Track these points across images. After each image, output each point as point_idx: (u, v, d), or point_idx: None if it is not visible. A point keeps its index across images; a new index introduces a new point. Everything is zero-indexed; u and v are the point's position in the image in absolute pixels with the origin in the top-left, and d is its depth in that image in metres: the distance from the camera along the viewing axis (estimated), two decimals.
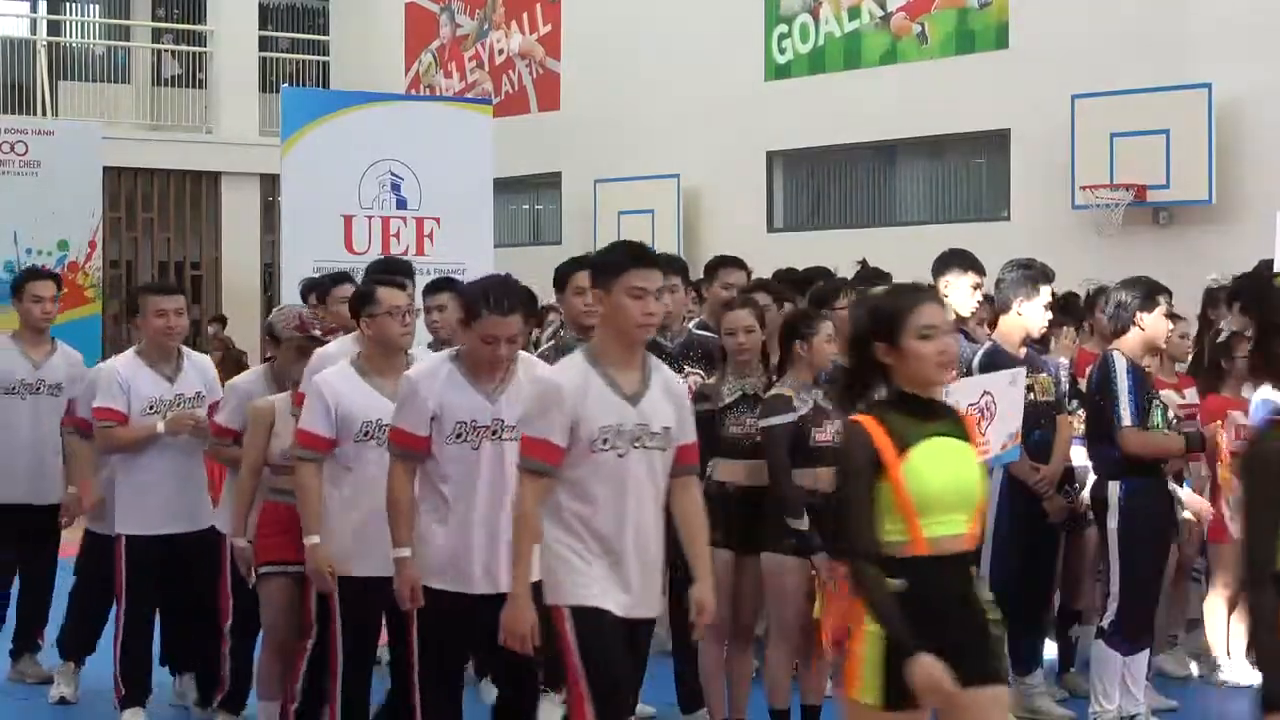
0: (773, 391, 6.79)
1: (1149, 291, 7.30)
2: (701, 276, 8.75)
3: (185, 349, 7.89)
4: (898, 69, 18.08)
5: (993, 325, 7.89)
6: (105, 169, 21.83)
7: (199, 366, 7.89)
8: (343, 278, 8.58)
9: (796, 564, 6.64)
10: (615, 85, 20.68)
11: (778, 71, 19.30)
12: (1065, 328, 8.22)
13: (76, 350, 8.93)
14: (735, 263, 8.38)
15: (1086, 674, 7.51)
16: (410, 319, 6.46)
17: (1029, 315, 7.52)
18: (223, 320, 23.15)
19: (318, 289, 8.59)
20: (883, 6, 18.22)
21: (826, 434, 6.66)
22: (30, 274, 8.86)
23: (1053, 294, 7.85)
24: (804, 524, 6.55)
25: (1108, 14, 16.05)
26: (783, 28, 19.22)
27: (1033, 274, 7.67)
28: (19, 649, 8.77)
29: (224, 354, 21.99)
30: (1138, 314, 7.23)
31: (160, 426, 7.45)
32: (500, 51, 22.61)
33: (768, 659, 7.03)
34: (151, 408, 7.57)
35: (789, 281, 8.89)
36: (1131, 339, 7.25)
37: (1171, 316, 8.09)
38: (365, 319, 6.40)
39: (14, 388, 8.47)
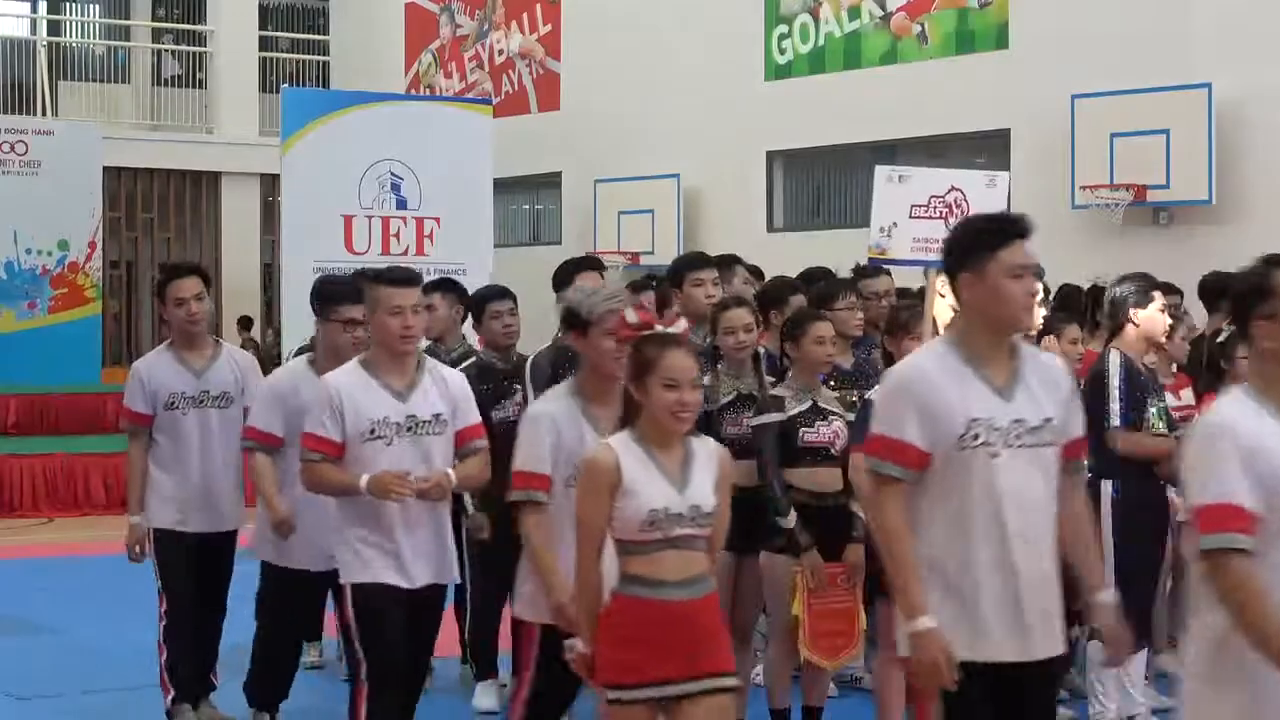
0: (770, 391, 6.80)
1: (1144, 286, 7.27)
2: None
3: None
4: (898, 69, 18.08)
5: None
6: (105, 169, 21.85)
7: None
8: (500, 292, 8.50)
9: (789, 563, 6.64)
10: (615, 85, 20.67)
11: (778, 71, 19.29)
12: (1069, 327, 8.18)
13: (245, 354, 7.88)
14: (703, 261, 8.11)
15: (1086, 674, 7.51)
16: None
17: None
18: (248, 322, 23.16)
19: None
20: (883, 6, 18.22)
21: (819, 434, 6.65)
22: (170, 272, 7.77)
23: (1045, 288, 7.82)
24: (790, 522, 6.56)
25: (1108, 14, 16.04)
26: (783, 28, 19.21)
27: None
28: (192, 692, 7.65)
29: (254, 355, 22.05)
30: (1133, 310, 7.20)
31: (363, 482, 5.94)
32: (500, 51, 22.61)
33: (768, 659, 7.03)
34: (174, 404, 7.32)
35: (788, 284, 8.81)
36: (1129, 335, 7.22)
37: (1175, 317, 8.09)
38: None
39: (174, 403, 7.33)
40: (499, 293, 7.94)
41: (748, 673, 7.10)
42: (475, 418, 6.11)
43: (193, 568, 7.36)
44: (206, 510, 7.35)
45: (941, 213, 7.13)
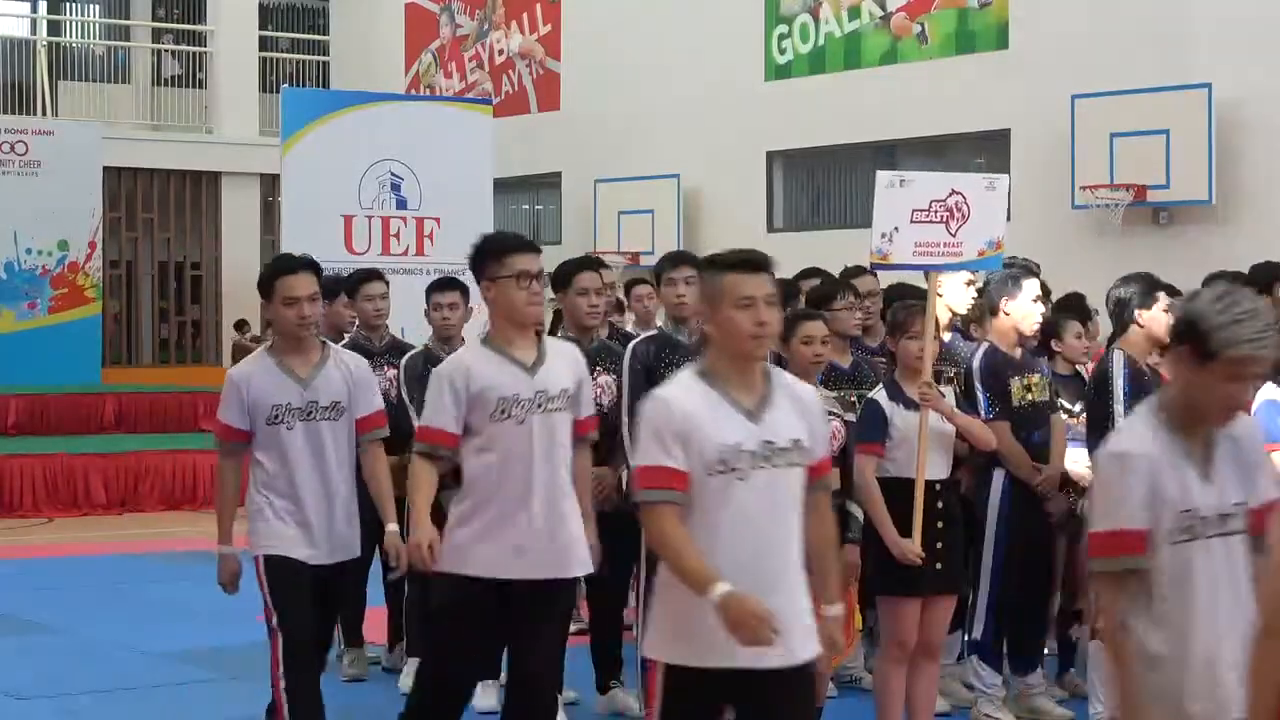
0: None
1: (1148, 287, 7.28)
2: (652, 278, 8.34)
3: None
4: (898, 69, 18.09)
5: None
6: (105, 169, 21.86)
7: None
8: (373, 274, 8.53)
9: None
10: (615, 85, 20.68)
11: (778, 71, 19.30)
12: (1070, 323, 8.18)
13: (356, 355, 6.70)
14: (680, 259, 8.05)
15: (1086, 674, 7.51)
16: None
17: (1016, 313, 7.50)
18: (243, 325, 23.15)
19: (347, 285, 8.52)
20: (883, 6, 18.23)
21: None
22: (281, 266, 6.38)
23: (1045, 289, 7.83)
24: None
25: (1108, 14, 16.05)
26: (783, 28, 19.22)
27: (1013, 272, 7.65)
28: None
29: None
30: (1138, 311, 7.21)
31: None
32: (500, 51, 22.62)
33: None
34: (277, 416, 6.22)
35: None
36: (1133, 336, 7.23)
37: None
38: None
39: (278, 416, 6.22)
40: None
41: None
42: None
43: (312, 601, 6.23)
44: (322, 538, 6.24)
45: (942, 216, 7.12)
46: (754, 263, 4.40)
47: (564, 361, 5.82)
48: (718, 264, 4.45)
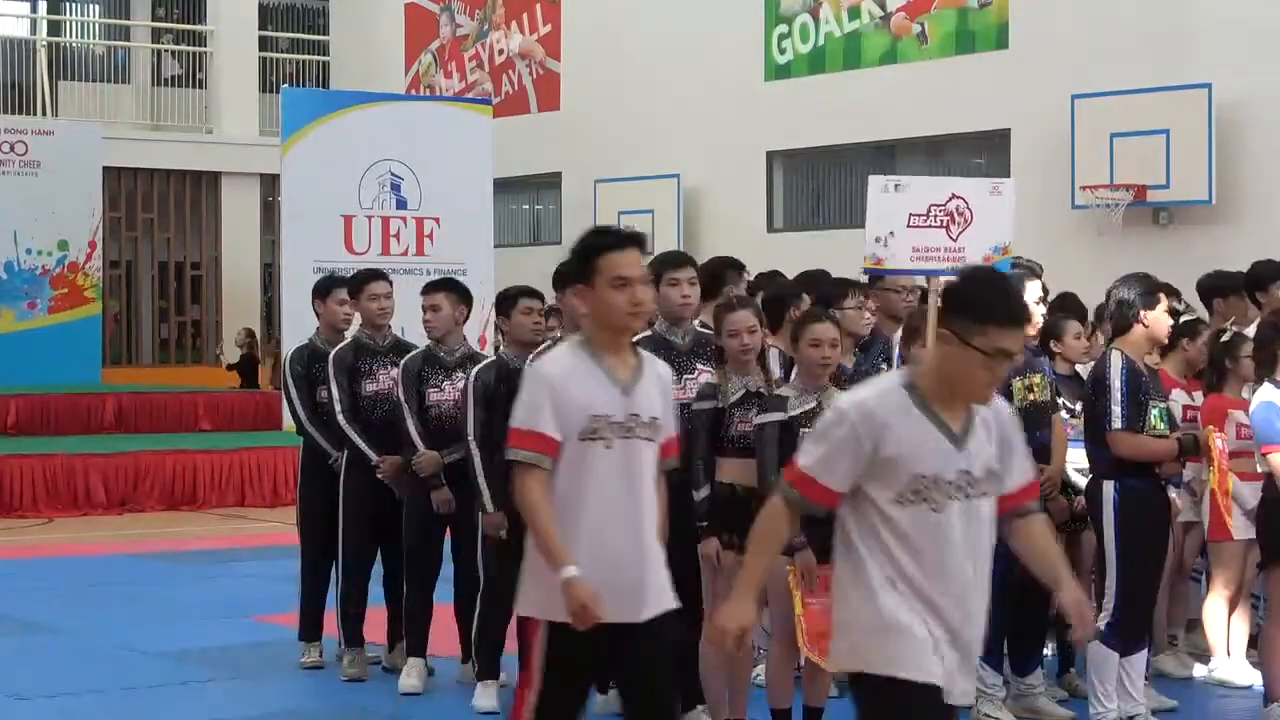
0: (776, 391, 6.77)
1: (1149, 288, 7.28)
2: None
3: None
4: (898, 69, 18.09)
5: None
6: (105, 169, 21.86)
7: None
8: (377, 274, 8.52)
9: (787, 563, 6.61)
10: (615, 85, 20.69)
11: (778, 71, 19.30)
12: (1070, 323, 8.18)
13: (664, 364, 5.26)
14: (682, 260, 8.03)
15: (1086, 674, 7.51)
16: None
17: None
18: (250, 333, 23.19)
19: (349, 284, 8.51)
20: (883, 6, 18.23)
21: None
22: (605, 241, 4.90)
23: (1044, 289, 7.83)
24: None
25: (1108, 14, 16.06)
26: (783, 28, 19.22)
27: (1016, 274, 7.64)
28: None
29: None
30: (1141, 312, 7.20)
31: None
32: (500, 51, 22.62)
33: (769, 659, 7.02)
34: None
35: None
36: (1134, 337, 7.22)
37: (1199, 321, 8.08)
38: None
39: (596, 430, 4.81)
40: (530, 291, 7.90)
41: (747, 674, 7.09)
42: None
43: (594, 665, 5.01)
44: (627, 590, 4.83)
45: (943, 221, 7.08)
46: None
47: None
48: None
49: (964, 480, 4.26)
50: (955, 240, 7.00)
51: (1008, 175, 16.98)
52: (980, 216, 7.09)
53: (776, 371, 7.21)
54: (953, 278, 4.40)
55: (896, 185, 7.22)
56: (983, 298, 4.19)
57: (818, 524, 6.52)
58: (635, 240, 4.94)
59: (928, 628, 4.21)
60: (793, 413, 6.63)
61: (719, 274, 8.22)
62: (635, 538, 4.88)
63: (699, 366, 7.12)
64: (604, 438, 4.80)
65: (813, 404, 6.64)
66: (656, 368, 5.07)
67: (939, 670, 4.22)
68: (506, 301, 7.78)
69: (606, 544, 4.81)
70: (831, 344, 6.64)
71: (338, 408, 8.16)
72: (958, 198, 7.06)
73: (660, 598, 4.91)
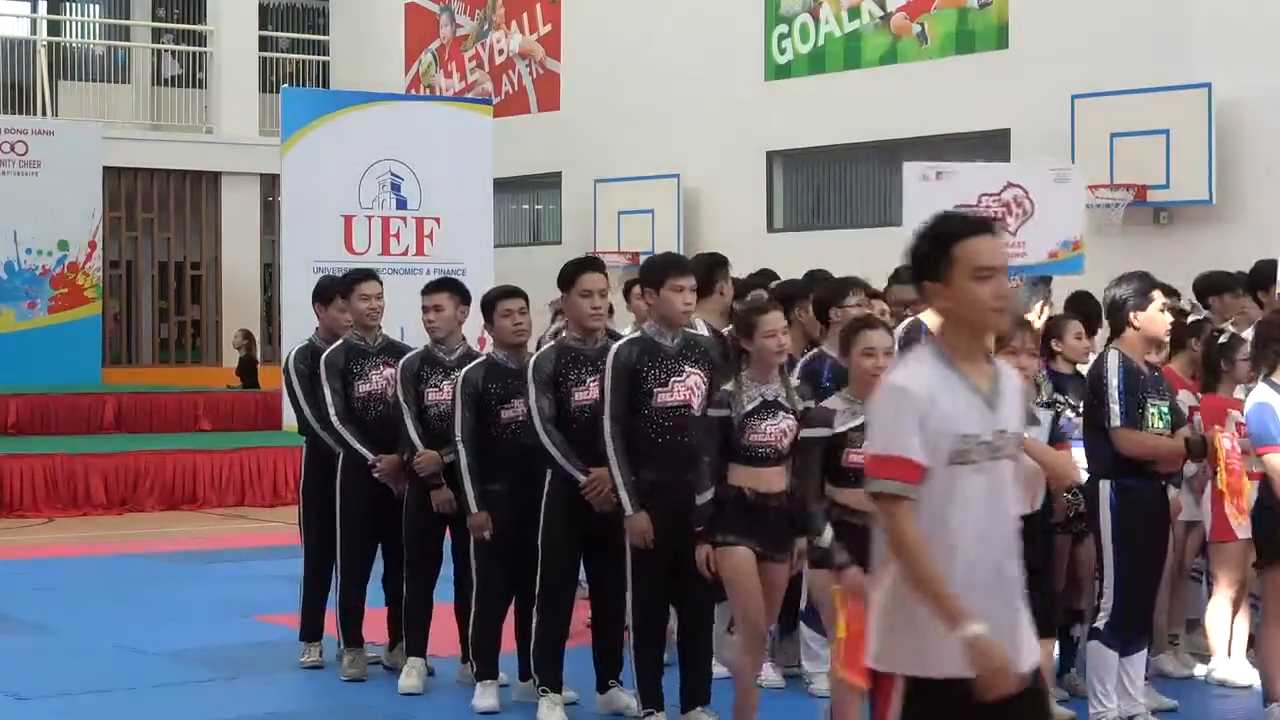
0: (822, 403, 6.54)
1: (1143, 288, 7.25)
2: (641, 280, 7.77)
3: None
4: (898, 69, 18.08)
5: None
6: (105, 169, 21.87)
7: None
8: (367, 274, 8.52)
9: (830, 578, 6.35)
10: (615, 85, 20.68)
11: (778, 71, 19.30)
12: (1070, 323, 8.17)
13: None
14: (684, 266, 7.94)
15: (1086, 674, 7.50)
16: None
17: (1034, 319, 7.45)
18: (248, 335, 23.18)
19: (340, 286, 8.51)
20: (883, 6, 18.22)
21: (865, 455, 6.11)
22: (958, 225, 4.16)
23: (1047, 299, 7.82)
24: (826, 541, 6.23)
25: (1108, 14, 16.05)
26: (783, 28, 19.22)
27: (1031, 278, 7.59)
28: None
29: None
30: (1133, 313, 7.19)
31: None
32: (500, 51, 22.62)
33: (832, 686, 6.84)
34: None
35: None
36: (1130, 336, 7.22)
37: (1203, 320, 8.07)
38: None
39: (966, 452, 4.07)
40: (509, 292, 7.88)
41: (755, 675, 7.04)
42: None
43: None
44: (1003, 639, 4.02)
45: (999, 213, 6.53)
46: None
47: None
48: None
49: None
50: (1015, 234, 6.43)
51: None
52: (1043, 207, 6.54)
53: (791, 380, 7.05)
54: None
55: (938, 173, 6.72)
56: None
57: (858, 541, 6.26)
58: (990, 226, 4.20)
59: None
60: (839, 429, 6.35)
61: (711, 272, 8.24)
62: (1003, 574, 4.14)
63: (687, 369, 7.07)
64: (973, 460, 4.05)
65: (860, 420, 6.00)
66: (1011, 375, 4.31)
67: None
68: (486, 306, 7.78)
69: (977, 584, 4.06)
70: (886, 352, 6.31)
71: (331, 410, 8.17)
72: (1015, 186, 6.53)
73: (1031, 642, 4.18)
